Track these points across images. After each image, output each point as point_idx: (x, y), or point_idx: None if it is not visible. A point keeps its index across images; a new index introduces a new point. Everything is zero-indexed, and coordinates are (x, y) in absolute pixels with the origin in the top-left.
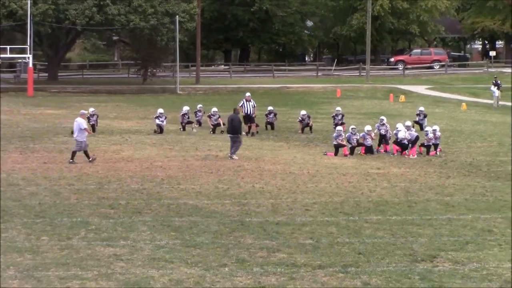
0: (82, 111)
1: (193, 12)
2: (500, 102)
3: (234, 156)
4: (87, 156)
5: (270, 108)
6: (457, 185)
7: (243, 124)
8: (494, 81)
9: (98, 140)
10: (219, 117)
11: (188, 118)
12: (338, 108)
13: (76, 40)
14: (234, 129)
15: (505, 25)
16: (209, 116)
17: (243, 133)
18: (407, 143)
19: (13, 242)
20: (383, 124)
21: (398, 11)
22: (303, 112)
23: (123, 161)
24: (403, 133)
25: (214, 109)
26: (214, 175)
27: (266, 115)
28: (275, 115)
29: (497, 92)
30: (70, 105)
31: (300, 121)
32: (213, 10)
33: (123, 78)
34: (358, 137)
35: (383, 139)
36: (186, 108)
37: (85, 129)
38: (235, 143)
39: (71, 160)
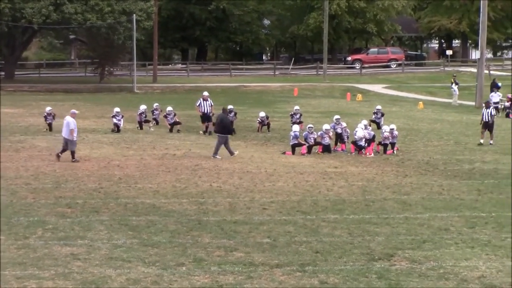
0: (73, 110)
1: (150, 11)
2: (458, 101)
3: (218, 156)
4: (60, 153)
5: (230, 107)
6: (414, 184)
7: (200, 123)
8: (454, 80)
9: (55, 139)
10: (175, 115)
11: (146, 116)
12: (297, 107)
13: (32, 39)
14: (223, 129)
15: (462, 24)
16: (165, 116)
17: (200, 132)
18: (363, 144)
19: None
20: (339, 123)
21: (355, 10)
22: (262, 113)
23: (80, 160)
24: (361, 132)
25: (169, 108)
26: (172, 174)
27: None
28: (235, 114)
29: (457, 91)
30: (27, 104)
31: (260, 122)
32: (170, 9)
33: (80, 77)
34: (316, 136)
35: (339, 138)
36: (143, 107)
37: (71, 130)
38: (223, 144)
39: (59, 154)
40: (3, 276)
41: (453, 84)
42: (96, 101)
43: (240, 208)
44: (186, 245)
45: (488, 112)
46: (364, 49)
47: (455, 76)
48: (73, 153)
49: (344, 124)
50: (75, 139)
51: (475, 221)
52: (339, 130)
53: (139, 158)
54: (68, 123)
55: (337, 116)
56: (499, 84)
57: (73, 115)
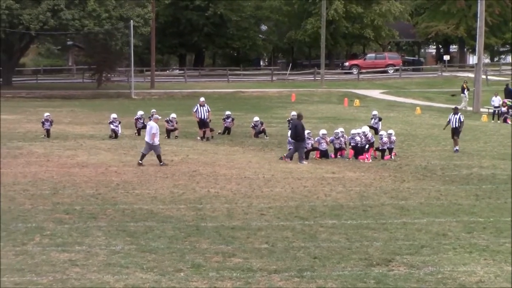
0: (156, 115)
1: (147, 17)
2: (458, 106)
3: (304, 162)
4: (159, 160)
5: (228, 112)
6: (412, 189)
7: (198, 129)
8: (466, 86)
9: (52, 145)
10: (176, 122)
11: (143, 122)
12: (294, 113)
13: (30, 45)
14: (298, 135)
15: (459, 29)
16: (167, 121)
17: (198, 138)
18: (362, 145)
19: None
20: (338, 138)
21: (352, 16)
22: (256, 118)
23: (78, 166)
24: (366, 128)
25: (173, 115)
26: (169, 180)
27: (224, 119)
28: (232, 119)
29: (467, 97)
30: (24, 110)
31: (253, 127)
32: (168, 15)
33: (78, 83)
34: (313, 141)
35: (338, 151)
36: (140, 113)
37: (153, 134)
38: (299, 149)
39: (140, 161)
40: (1, 283)
41: (465, 90)
42: (94, 107)
43: (238, 214)
44: (184, 251)
45: (456, 118)
46: (361, 54)
47: (466, 82)
48: (159, 157)
49: (343, 140)
50: (156, 143)
51: (473, 226)
52: (337, 145)
53: (136, 164)
54: (152, 127)
55: (337, 131)
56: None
57: (156, 120)
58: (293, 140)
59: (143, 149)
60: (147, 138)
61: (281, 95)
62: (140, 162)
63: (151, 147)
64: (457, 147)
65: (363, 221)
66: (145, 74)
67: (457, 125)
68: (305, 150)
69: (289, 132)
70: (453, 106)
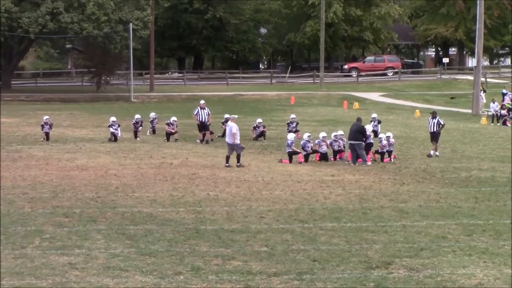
0: (233, 115)
1: (146, 20)
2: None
3: (368, 163)
4: (238, 159)
5: (227, 115)
6: (411, 191)
7: (197, 132)
8: (482, 87)
9: (52, 148)
10: (177, 126)
11: (140, 125)
12: (293, 116)
13: (29, 48)
14: (362, 136)
15: (458, 32)
16: (168, 124)
17: (197, 140)
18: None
19: None
20: (336, 140)
21: (351, 18)
22: (259, 120)
23: (78, 169)
24: (370, 127)
25: (174, 118)
26: (169, 183)
27: (223, 122)
28: None
29: (484, 98)
30: (24, 113)
31: (254, 128)
32: (167, 18)
33: (77, 86)
34: (313, 144)
35: (337, 153)
36: (137, 117)
37: (233, 134)
38: (359, 151)
39: (226, 164)
40: (1, 286)
41: (481, 92)
42: (93, 111)
43: (238, 217)
44: (183, 254)
45: (434, 122)
46: (360, 57)
47: (483, 83)
48: (238, 156)
49: (342, 143)
50: (237, 142)
51: (473, 229)
52: (336, 148)
53: (136, 167)
54: (231, 128)
55: (336, 133)
56: (504, 91)
57: (234, 120)
58: (354, 141)
59: (227, 151)
60: (227, 139)
61: (280, 98)
62: (227, 164)
63: (233, 147)
64: (432, 152)
65: (363, 224)
66: (144, 77)
67: (435, 129)
68: (305, 153)
69: (288, 135)
70: (454, 109)
